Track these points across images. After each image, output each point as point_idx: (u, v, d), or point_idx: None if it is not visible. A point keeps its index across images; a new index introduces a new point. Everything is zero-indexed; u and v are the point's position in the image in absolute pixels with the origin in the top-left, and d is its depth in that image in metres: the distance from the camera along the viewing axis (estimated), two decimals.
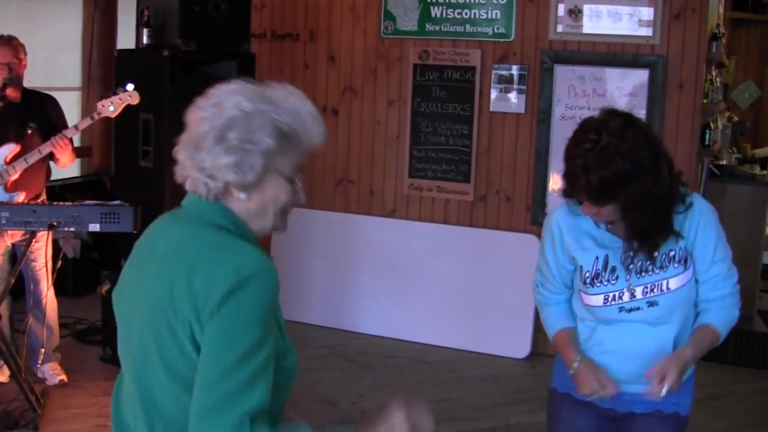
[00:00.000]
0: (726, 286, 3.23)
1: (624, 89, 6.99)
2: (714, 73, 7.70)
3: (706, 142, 7.46)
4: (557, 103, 7.20)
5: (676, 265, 3.16)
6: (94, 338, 7.26)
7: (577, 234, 3.26)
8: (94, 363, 6.81)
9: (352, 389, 6.57)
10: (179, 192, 6.69)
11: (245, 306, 2.08)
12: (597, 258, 3.21)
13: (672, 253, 3.16)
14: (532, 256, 7.33)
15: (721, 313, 3.23)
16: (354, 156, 7.96)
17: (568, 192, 3.13)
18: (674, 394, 3.15)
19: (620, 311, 3.21)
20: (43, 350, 6.18)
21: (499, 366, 7.20)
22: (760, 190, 9.03)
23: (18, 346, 6.15)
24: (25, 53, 6.18)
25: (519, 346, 7.35)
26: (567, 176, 3.09)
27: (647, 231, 3.08)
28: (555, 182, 7.27)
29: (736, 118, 11.21)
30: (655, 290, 3.17)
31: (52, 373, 6.35)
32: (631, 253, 3.16)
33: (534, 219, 7.35)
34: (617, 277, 3.19)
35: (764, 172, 9.87)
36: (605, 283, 3.21)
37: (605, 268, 3.21)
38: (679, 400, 3.31)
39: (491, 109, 7.43)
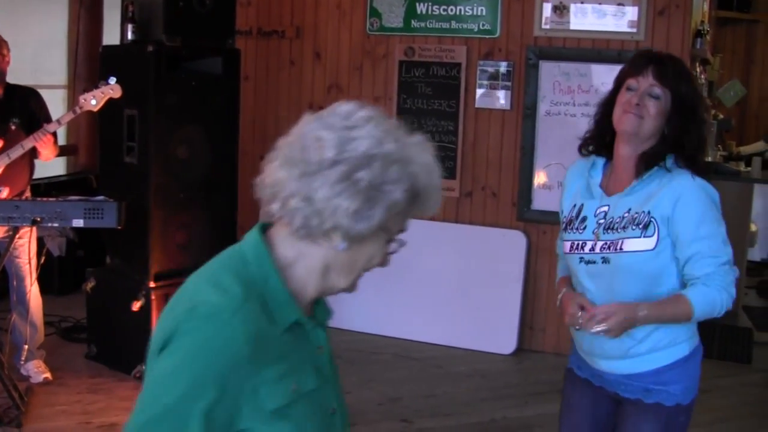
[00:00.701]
0: (710, 264, 3.09)
1: (609, 85, 6.92)
2: (698, 70, 7.71)
3: None
4: (542, 99, 7.21)
5: (634, 228, 3.14)
6: (79, 336, 7.23)
7: (575, 183, 3.38)
8: (79, 361, 6.78)
9: None
10: (163, 188, 6.67)
11: (178, 354, 1.78)
12: (574, 205, 3.32)
13: (634, 215, 3.15)
14: (518, 251, 7.40)
15: (702, 290, 3.10)
16: None
17: (628, 73, 3.22)
18: (654, 380, 3.19)
19: (580, 261, 3.27)
20: (26, 347, 6.16)
21: (485, 362, 7.21)
22: (744, 186, 9.05)
23: (1, 344, 6.13)
24: (8, 49, 6.16)
25: (505, 342, 7.36)
26: (635, 57, 3.25)
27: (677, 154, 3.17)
28: (540, 177, 7.29)
29: (721, 116, 11.24)
30: (611, 248, 3.18)
31: (37, 370, 6.32)
32: (607, 208, 3.22)
33: (520, 215, 7.36)
34: (585, 227, 3.26)
35: (749, 169, 9.89)
36: (574, 230, 3.29)
37: (577, 216, 3.29)
38: (662, 388, 3.23)
39: (477, 106, 7.44)
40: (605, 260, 3.20)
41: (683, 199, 3.10)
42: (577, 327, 3.18)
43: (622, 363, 3.25)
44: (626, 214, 3.17)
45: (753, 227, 9.59)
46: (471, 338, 7.42)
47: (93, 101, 5.89)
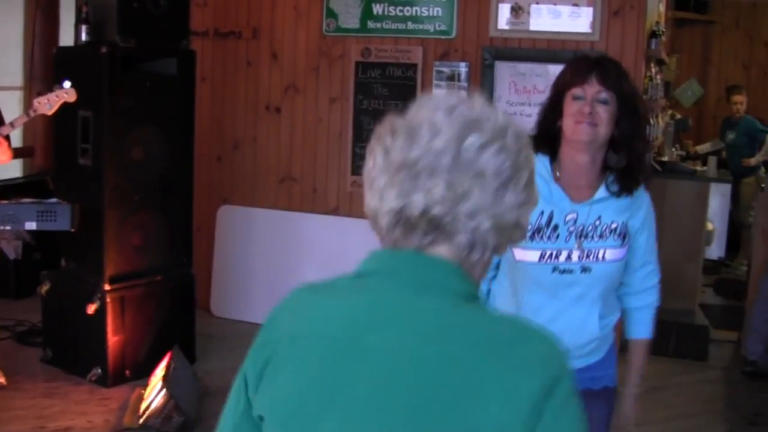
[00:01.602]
0: (656, 275, 3.44)
1: None
2: (654, 70, 7.77)
3: None
4: (499, 99, 7.23)
5: (615, 238, 3.22)
6: (34, 340, 7.18)
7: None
8: (35, 365, 6.73)
9: None
10: (118, 189, 6.62)
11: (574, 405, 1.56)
12: (542, 212, 3.21)
13: (614, 225, 3.22)
14: None
15: (645, 318, 3.51)
16: (297, 154, 7.95)
17: (566, 84, 3.21)
18: (598, 368, 3.33)
19: (553, 271, 3.22)
20: None
21: None
22: (700, 185, 9.12)
23: None
24: None
25: None
26: (574, 65, 3.23)
27: (635, 167, 3.19)
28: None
29: (679, 116, 11.33)
30: (591, 257, 3.21)
31: None
32: (575, 215, 3.21)
33: None
34: (558, 236, 3.21)
35: (705, 168, 9.98)
36: (545, 239, 3.22)
37: (548, 224, 3.22)
38: (605, 373, 3.41)
39: None
40: (585, 269, 3.23)
41: (648, 217, 3.32)
42: None
43: (578, 361, 3.29)
44: (598, 223, 3.21)
45: (709, 226, 9.68)
46: None
47: (47, 105, 5.86)
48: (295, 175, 7.97)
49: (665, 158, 9.81)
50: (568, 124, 3.17)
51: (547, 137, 3.26)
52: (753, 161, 10.80)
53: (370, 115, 7.59)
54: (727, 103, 11.27)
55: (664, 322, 8.40)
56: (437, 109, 1.64)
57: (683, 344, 7.91)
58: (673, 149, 10.64)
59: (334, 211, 7.83)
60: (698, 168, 10.05)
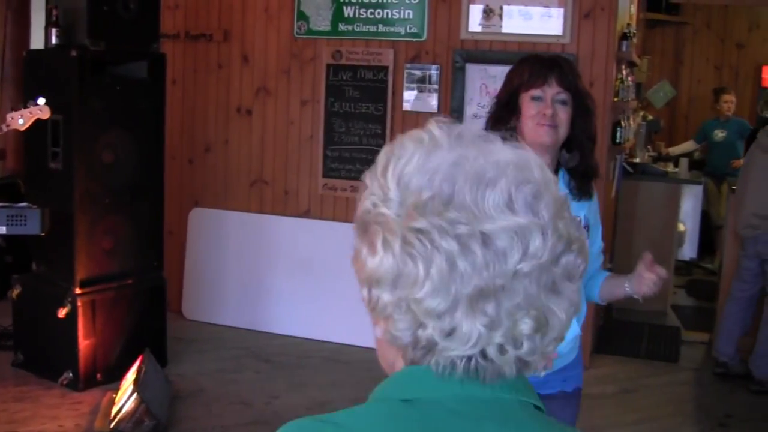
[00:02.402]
0: (600, 260, 3.53)
1: None
2: (625, 72, 7.79)
3: (617, 140, 7.54)
4: (469, 102, 7.24)
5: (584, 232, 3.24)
6: (5, 343, 7.14)
7: None
8: (6, 368, 6.69)
9: (266, 390, 6.55)
10: (89, 193, 6.60)
11: None
12: None
13: (578, 219, 3.22)
14: None
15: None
16: (268, 156, 7.94)
17: (520, 88, 3.20)
18: (572, 368, 3.39)
19: None
20: None
21: None
22: (671, 187, 9.17)
23: None
24: None
25: None
26: (532, 64, 3.20)
27: (587, 166, 3.26)
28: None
29: (651, 117, 11.36)
30: None
31: None
32: None
33: None
34: None
35: (676, 169, 10.02)
36: None
37: None
38: (575, 372, 3.45)
39: (404, 109, 7.47)
40: None
41: (596, 200, 3.40)
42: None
43: (558, 362, 3.35)
44: None
45: (681, 227, 9.72)
46: None
47: (20, 120, 5.83)
48: (266, 177, 7.96)
49: (637, 160, 9.85)
50: (528, 126, 3.18)
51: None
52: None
53: (342, 118, 7.59)
54: (715, 103, 11.29)
55: (635, 323, 8.47)
56: (517, 186, 1.22)
57: (655, 346, 7.95)
58: (645, 150, 10.67)
59: (306, 214, 7.82)
60: (670, 169, 10.09)
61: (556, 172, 3.25)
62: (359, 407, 1.26)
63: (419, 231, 1.19)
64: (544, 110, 3.13)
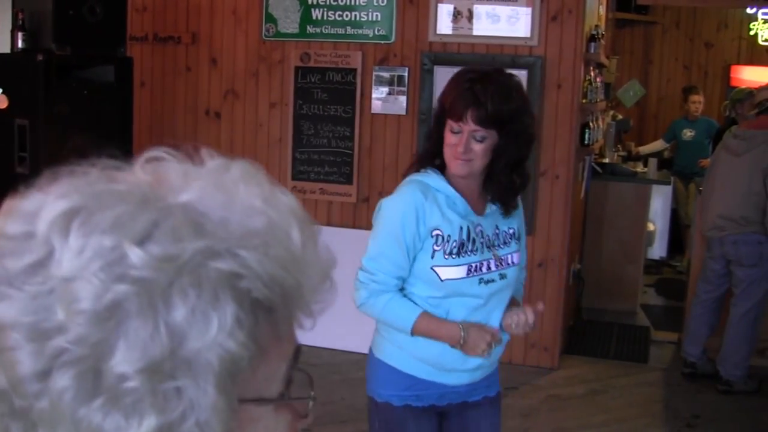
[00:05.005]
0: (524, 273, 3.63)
1: None
2: (593, 74, 7.81)
3: (586, 142, 7.56)
4: (437, 104, 7.23)
5: (516, 242, 3.39)
6: None
7: (439, 206, 3.24)
8: None
9: None
10: None
11: None
12: (461, 228, 3.24)
13: (511, 231, 3.39)
14: None
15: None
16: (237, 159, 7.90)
17: (446, 118, 3.19)
18: (494, 373, 3.50)
19: (480, 283, 3.27)
20: None
21: None
22: (641, 187, 9.21)
23: None
24: None
25: None
26: (455, 95, 3.15)
27: (509, 188, 3.28)
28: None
29: (620, 117, 11.40)
30: (504, 263, 3.33)
31: None
32: (481, 227, 3.29)
33: None
34: (476, 249, 3.27)
35: (646, 169, 10.05)
36: (469, 253, 3.25)
37: (468, 238, 3.25)
38: (497, 377, 3.55)
39: (372, 111, 7.45)
40: (502, 276, 3.33)
41: (521, 209, 3.50)
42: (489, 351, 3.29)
43: (484, 369, 3.45)
44: (497, 231, 3.34)
45: (651, 227, 9.77)
46: (370, 344, 7.42)
47: None
48: None
49: (606, 160, 9.89)
50: (447, 154, 3.21)
51: (436, 153, 3.29)
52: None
53: (310, 120, 7.57)
54: (684, 103, 11.35)
55: (604, 323, 8.51)
56: None
57: (624, 346, 7.98)
58: (615, 150, 10.70)
59: None
60: (639, 169, 10.12)
61: (484, 196, 3.32)
62: None
63: None
64: (456, 146, 3.15)
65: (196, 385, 0.85)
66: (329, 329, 7.52)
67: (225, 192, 0.95)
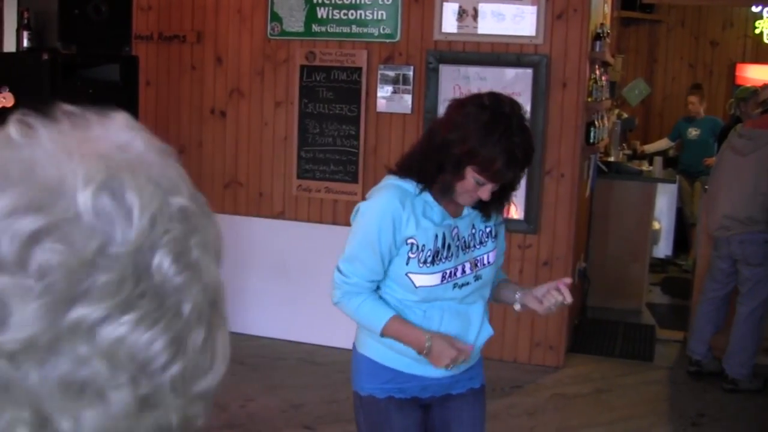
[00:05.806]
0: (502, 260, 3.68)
1: (508, 89, 7.05)
2: (598, 72, 7.80)
3: (591, 140, 7.56)
4: (443, 102, 7.20)
5: (492, 240, 3.44)
6: None
7: (415, 215, 3.27)
8: None
9: (241, 392, 6.54)
10: None
11: None
12: (437, 236, 3.29)
13: (488, 230, 3.44)
14: None
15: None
16: (242, 158, 7.92)
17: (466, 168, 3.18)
18: (478, 365, 3.57)
19: (454, 287, 3.34)
20: None
21: None
22: (646, 185, 9.20)
23: None
24: None
25: None
26: (490, 152, 3.12)
27: (494, 207, 3.41)
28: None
29: (626, 115, 11.39)
30: (478, 264, 3.39)
31: None
32: (457, 229, 3.34)
33: None
34: (452, 254, 3.32)
35: (651, 168, 10.04)
36: (443, 260, 3.30)
37: (443, 245, 3.30)
38: (480, 368, 3.62)
39: (378, 110, 7.45)
40: (477, 277, 3.39)
41: (501, 217, 3.58)
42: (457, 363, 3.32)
43: (472, 361, 3.52)
44: (473, 231, 3.39)
45: (656, 225, 9.77)
46: None
47: None
48: (240, 179, 7.94)
49: (611, 158, 9.87)
50: (460, 193, 3.26)
51: (428, 177, 3.29)
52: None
53: (315, 119, 7.58)
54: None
55: (610, 322, 8.50)
56: None
57: (630, 345, 7.97)
58: (620, 148, 10.69)
59: (280, 215, 7.81)
60: (644, 168, 10.11)
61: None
62: None
63: None
64: (478, 194, 3.23)
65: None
66: (333, 329, 7.54)
67: None
